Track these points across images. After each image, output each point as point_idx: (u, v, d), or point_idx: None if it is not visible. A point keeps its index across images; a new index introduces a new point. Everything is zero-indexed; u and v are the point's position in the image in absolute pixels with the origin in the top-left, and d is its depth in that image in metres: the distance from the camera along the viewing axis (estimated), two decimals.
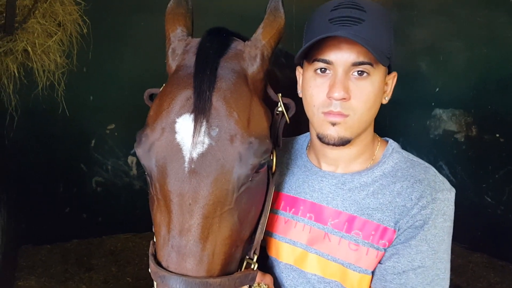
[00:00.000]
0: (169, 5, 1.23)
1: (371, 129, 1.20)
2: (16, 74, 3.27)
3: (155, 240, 1.06)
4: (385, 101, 1.17)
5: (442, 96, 4.58)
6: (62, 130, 4.32)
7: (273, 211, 1.29)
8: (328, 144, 1.11)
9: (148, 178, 1.06)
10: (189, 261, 0.96)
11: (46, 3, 3.30)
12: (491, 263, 4.20)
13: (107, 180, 4.68)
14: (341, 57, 1.05)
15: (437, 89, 4.61)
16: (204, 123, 0.97)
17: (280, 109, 1.17)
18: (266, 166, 1.10)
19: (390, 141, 1.24)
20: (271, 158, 1.14)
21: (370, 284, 1.15)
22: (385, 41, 1.07)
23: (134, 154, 1.36)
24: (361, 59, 1.04)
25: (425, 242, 1.06)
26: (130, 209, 4.60)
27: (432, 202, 1.07)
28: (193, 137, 0.97)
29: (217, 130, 0.97)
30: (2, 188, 3.73)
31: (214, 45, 1.10)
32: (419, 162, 1.18)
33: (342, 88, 1.04)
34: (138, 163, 4.39)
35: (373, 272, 1.14)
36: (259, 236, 1.13)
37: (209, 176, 0.96)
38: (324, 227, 1.19)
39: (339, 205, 1.18)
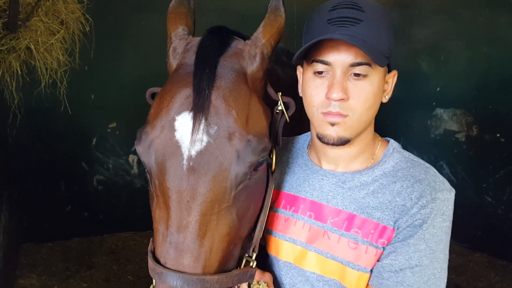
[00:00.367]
0: (171, 4, 1.23)
1: (371, 128, 1.20)
2: (19, 72, 3.26)
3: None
4: (385, 100, 1.17)
5: (443, 95, 4.57)
6: (63, 129, 4.32)
7: (273, 209, 1.29)
8: (327, 144, 1.11)
9: (148, 176, 1.07)
10: (187, 257, 0.97)
11: (49, 1, 3.29)
12: (492, 263, 4.20)
13: (108, 179, 4.69)
14: (339, 58, 1.05)
15: (438, 89, 4.60)
16: (203, 121, 0.97)
17: (280, 108, 1.17)
18: (265, 165, 1.10)
19: (391, 141, 1.24)
20: (271, 156, 1.15)
21: (368, 282, 1.15)
22: (384, 40, 1.07)
23: (135, 153, 1.37)
24: (359, 59, 1.04)
25: (423, 241, 1.06)
26: (131, 208, 4.60)
27: (432, 201, 1.07)
28: (191, 134, 0.97)
29: (216, 128, 0.98)
30: (4, 186, 3.73)
31: (214, 43, 1.10)
32: (419, 162, 1.18)
33: (340, 89, 1.04)
34: (139, 161, 4.39)
35: (371, 271, 1.14)
36: (258, 234, 1.14)
37: (207, 174, 0.97)
38: (323, 225, 1.19)
39: (339, 204, 1.18)
